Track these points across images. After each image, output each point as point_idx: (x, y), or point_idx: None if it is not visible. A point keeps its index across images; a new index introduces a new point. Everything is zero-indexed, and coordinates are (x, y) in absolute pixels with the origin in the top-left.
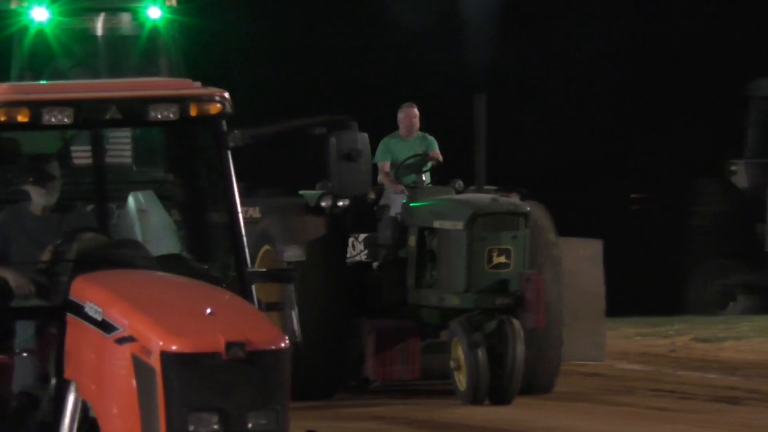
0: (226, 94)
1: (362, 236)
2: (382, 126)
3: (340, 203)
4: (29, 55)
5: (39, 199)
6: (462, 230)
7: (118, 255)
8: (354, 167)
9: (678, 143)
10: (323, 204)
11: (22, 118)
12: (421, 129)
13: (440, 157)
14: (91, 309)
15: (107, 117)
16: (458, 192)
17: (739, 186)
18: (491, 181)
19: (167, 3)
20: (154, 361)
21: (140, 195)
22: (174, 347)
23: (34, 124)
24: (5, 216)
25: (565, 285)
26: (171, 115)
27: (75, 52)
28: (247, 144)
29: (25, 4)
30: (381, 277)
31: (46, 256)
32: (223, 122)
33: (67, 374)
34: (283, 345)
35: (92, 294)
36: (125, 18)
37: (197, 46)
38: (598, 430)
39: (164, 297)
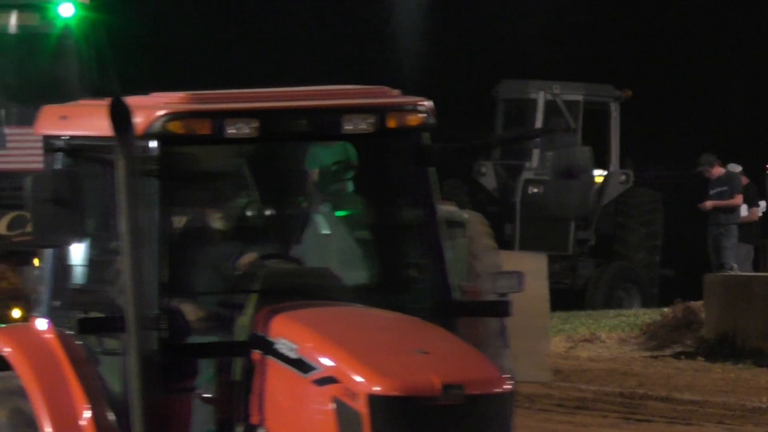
0: (428, 103)
1: None
2: None
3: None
4: None
5: (217, 222)
6: None
7: (310, 285)
8: (574, 185)
9: None
10: None
11: (202, 130)
12: None
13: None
14: (283, 346)
15: (296, 129)
16: None
17: (487, 187)
18: None
19: (80, 0)
20: (360, 405)
21: (325, 218)
22: (383, 389)
23: (215, 138)
24: (180, 241)
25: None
26: (366, 127)
27: None
28: (452, 159)
29: None
30: None
31: (227, 285)
32: (425, 135)
33: (254, 419)
34: (506, 388)
35: (284, 329)
36: (35, 15)
37: (113, 46)
38: None
39: (368, 333)
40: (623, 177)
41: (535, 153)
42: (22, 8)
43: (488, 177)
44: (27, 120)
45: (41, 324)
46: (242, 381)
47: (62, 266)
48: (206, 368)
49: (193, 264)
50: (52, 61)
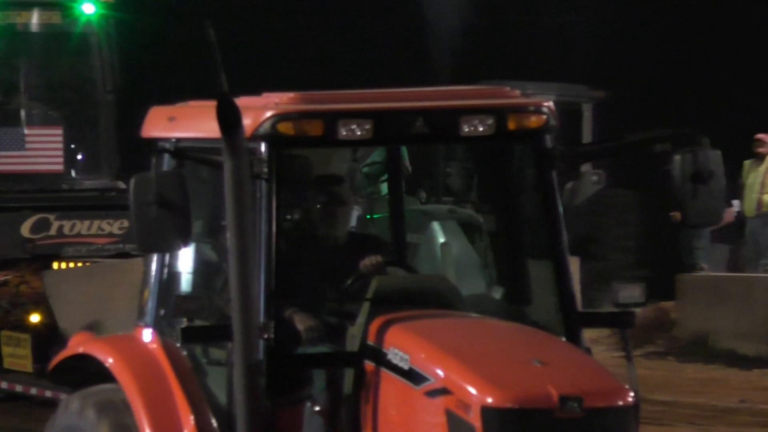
0: (550, 104)
1: None
2: None
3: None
4: None
5: (328, 228)
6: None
7: (424, 294)
8: (704, 191)
9: None
10: None
11: (313, 131)
12: None
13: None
14: (395, 356)
15: (411, 131)
16: (422, 203)
17: (454, 189)
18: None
19: None
20: (474, 418)
21: (442, 225)
22: (497, 401)
23: (327, 139)
24: (289, 248)
25: None
26: (485, 130)
27: (3, 48)
28: (576, 163)
29: None
30: None
31: (338, 294)
32: (548, 137)
33: (364, 430)
34: (628, 400)
35: (396, 339)
36: (58, 13)
37: (135, 45)
38: None
39: (482, 342)
40: (595, 177)
41: None
42: (44, 6)
43: (453, 179)
44: (46, 121)
45: (146, 334)
46: (353, 392)
47: (167, 274)
48: (315, 379)
49: (302, 271)
50: (73, 60)
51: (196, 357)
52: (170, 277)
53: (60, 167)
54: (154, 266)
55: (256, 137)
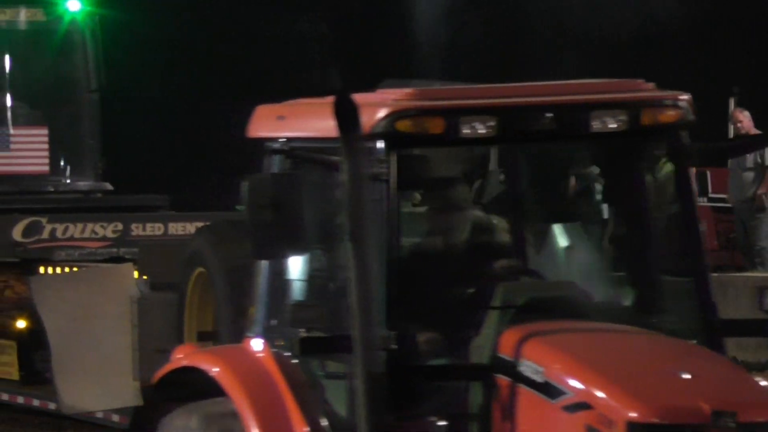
0: (687, 97)
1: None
2: None
3: None
4: None
5: (448, 232)
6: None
7: (555, 302)
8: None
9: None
10: None
11: (434, 129)
12: None
13: None
14: (528, 368)
15: (538, 128)
16: (414, 205)
17: None
18: None
19: None
20: None
21: (566, 228)
22: (643, 416)
23: (448, 138)
24: (408, 254)
25: None
26: (618, 125)
27: None
28: (710, 159)
29: None
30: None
31: (461, 302)
32: (684, 133)
33: None
34: None
35: (529, 350)
36: (40, 11)
37: (120, 42)
38: None
39: (623, 353)
40: (502, 176)
41: None
42: (28, 3)
43: None
44: (31, 121)
45: (256, 344)
46: (482, 406)
47: (278, 281)
48: (440, 392)
49: (422, 278)
50: (58, 59)
51: (309, 368)
52: (282, 285)
53: (45, 168)
54: (264, 273)
55: (373, 136)
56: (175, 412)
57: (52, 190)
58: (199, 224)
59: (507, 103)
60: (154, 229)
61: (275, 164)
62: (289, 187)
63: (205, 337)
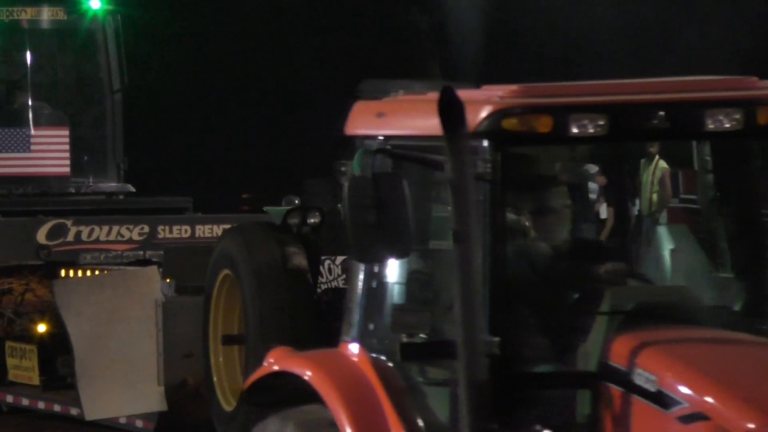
0: None
1: (340, 259)
2: None
3: (311, 220)
4: None
5: (552, 234)
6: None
7: (665, 307)
8: None
9: (288, 146)
10: (291, 222)
11: (542, 128)
12: None
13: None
14: (639, 377)
15: (650, 127)
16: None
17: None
18: None
19: None
20: None
21: (671, 230)
22: (765, 427)
23: (556, 136)
24: (513, 257)
25: None
26: (732, 125)
27: (4, 46)
28: None
29: None
30: None
31: (566, 307)
32: None
33: None
34: None
35: (641, 358)
36: (62, 9)
37: (139, 39)
38: None
39: (740, 362)
40: None
41: None
42: (49, 2)
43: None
44: (52, 121)
45: (351, 349)
46: (589, 416)
47: (376, 284)
48: (544, 400)
49: (527, 282)
50: (80, 58)
51: (408, 374)
52: (380, 289)
53: (67, 169)
54: (361, 277)
55: (477, 134)
56: (269, 418)
57: (74, 191)
58: (226, 226)
59: (618, 100)
60: (181, 231)
61: (376, 163)
62: (391, 188)
63: (231, 341)
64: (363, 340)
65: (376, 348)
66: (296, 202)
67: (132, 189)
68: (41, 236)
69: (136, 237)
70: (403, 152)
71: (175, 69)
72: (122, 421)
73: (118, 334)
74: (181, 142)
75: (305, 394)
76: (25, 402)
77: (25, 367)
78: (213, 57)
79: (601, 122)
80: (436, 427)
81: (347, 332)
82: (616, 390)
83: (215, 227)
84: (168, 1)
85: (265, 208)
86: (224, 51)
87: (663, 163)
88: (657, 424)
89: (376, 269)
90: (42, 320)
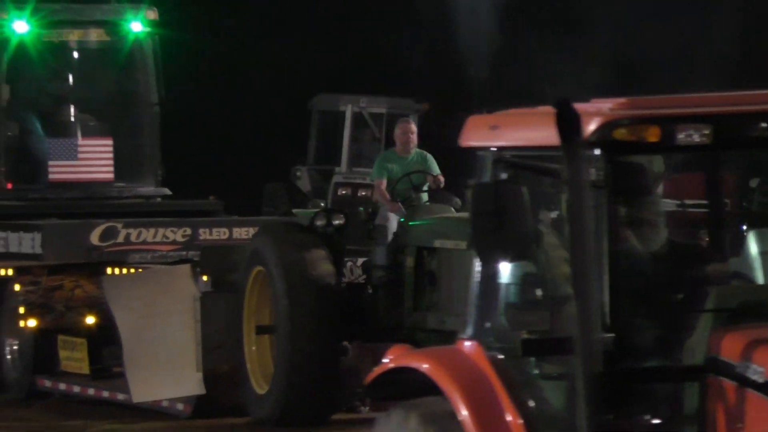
0: None
1: (360, 260)
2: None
3: (335, 222)
4: (9, 67)
5: (655, 236)
6: (465, 249)
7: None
8: None
9: (246, 152)
10: (317, 223)
11: (651, 137)
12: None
13: (442, 182)
14: (746, 369)
15: (753, 136)
16: (457, 211)
17: (303, 189)
18: None
19: (148, 16)
20: None
21: (759, 233)
22: None
23: (664, 145)
24: (623, 258)
25: None
26: None
27: (55, 65)
28: None
29: (5, 17)
30: (377, 299)
31: (673, 305)
32: None
33: None
34: None
35: (748, 351)
36: (106, 31)
37: (178, 60)
38: None
39: None
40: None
41: (344, 158)
42: (95, 25)
43: (303, 180)
44: (97, 132)
45: (468, 347)
46: (698, 407)
47: (493, 284)
48: (651, 393)
49: (636, 282)
50: (122, 75)
51: (525, 369)
52: (496, 288)
53: (110, 176)
54: (477, 278)
55: (590, 144)
56: (392, 410)
57: (117, 195)
58: None
59: (722, 111)
60: (219, 233)
61: (494, 173)
62: (511, 195)
63: (263, 331)
64: (479, 337)
65: (492, 345)
66: (322, 205)
67: (168, 192)
68: (95, 238)
69: (179, 239)
70: (522, 162)
71: (207, 84)
72: (164, 404)
73: (161, 326)
74: (207, 150)
75: (423, 389)
76: (76, 389)
77: (75, 358)
78: (241, 73)
79: (706, 132)
80: (551, 418)
81: (464, 330)
82: (723, 382)
83: (251, 230)
84: (201, 22)
85: (294, 211)
86: (251, 66)
87: None
88: (765, 415)
89: (492, 271)
90: (91, 314)
